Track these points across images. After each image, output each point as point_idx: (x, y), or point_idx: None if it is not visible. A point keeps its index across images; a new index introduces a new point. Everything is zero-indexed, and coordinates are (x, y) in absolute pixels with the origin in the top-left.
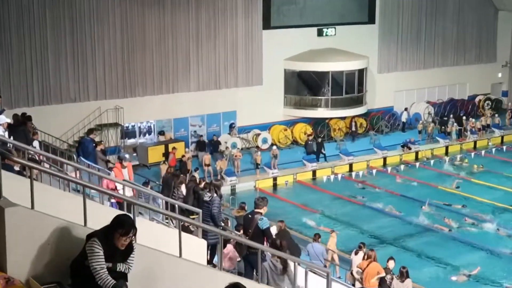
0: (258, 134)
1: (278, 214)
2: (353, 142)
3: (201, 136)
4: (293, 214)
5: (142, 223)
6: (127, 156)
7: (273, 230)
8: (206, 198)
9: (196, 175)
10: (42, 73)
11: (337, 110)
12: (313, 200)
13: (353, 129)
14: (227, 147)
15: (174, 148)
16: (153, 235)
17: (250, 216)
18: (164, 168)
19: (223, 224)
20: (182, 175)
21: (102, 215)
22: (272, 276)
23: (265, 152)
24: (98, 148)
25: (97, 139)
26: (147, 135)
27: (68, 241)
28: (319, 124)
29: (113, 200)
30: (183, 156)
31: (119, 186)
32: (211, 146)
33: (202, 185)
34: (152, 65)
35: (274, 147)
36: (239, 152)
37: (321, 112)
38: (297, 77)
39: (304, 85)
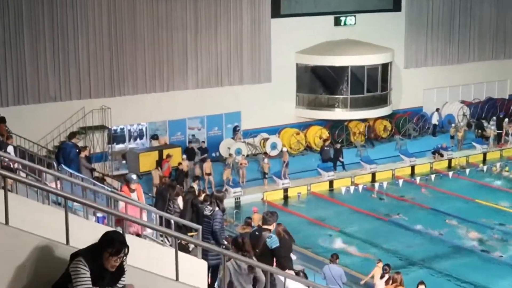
0: (266, 139)
1: (290, 231)
2: (373, 148)
3: (190, 142)
4: (307, 231)
5: (133, 241)
6: (134, 177)
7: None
8: (207, 212)
9: (195, 186)
10: (18, 68)
11: (357, 111)
12: (329, 215)
13: (368, 134)
14: (230, 154)
15: (168, 155)
16: (146, 255)
17: (257, 233)
18: (156, 175)
19: (225, 242)
20: (178, 185)
21: (87, 231)
22: (236, 278)
23: (274, 159)
24: (82, 154)
25: (80, 144)
26: (138, 139)
27: (48, 261)
28: (336, 127)
29: (99, 215)
30: (180, 164)
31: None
32: (200, 152)
33: (201, 198)
34: (144, 59)
35: (285, 148)
36: (244, 159)
37: (338, 114)
38: (311, 73)
39: (319, 82)
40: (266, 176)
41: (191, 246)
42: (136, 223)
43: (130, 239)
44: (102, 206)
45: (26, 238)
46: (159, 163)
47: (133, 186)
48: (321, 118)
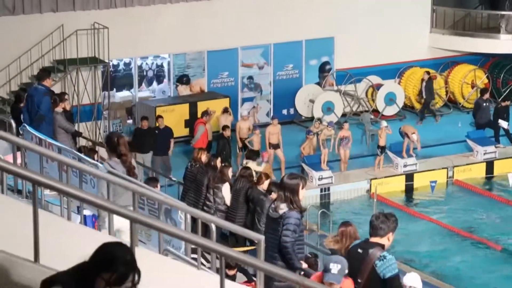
0: (378, 86)
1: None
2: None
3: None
4: (444, 250)
5: (146, 259)
6: None
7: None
8: (273, 214)
9: (254, 165)
10: None
11: None
12: (486, 221)
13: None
14: (318, 119)
15: (206, 112)
16: (168, 283)
17: (360, 250)
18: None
19: (304, 265)
20: (225, 164)
21: (68, 240)
22: None
23: (391, 121)
24: (59, 107)
25: (56, 89)
26: (154, 83)
27: None
28: (501, 68)
29: (87, 212)
30: (225, 128)
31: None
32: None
33: (263, 186)
34: None
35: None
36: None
37: (505, 44)
38: None
39: None
40: (380, 152)
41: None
42: (151, 227)
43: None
44: (92, 197)
45: None
46: (191, 123)
47: None
48: (475, 51)
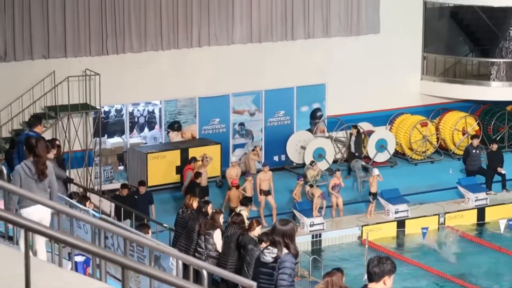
0: (369, 133)
1: None
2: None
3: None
4: None
5: None
6: None
7: None
8: (267, 258)
9: (245, 212)
10: None
11: None
12: (481, 268)
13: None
14: (313, 161)
15: (204, 157)
16: None
17: None
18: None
19: None
20: (216, 210)
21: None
22: None
23: (383, 168)
24: (51, 154)
25: (47, 136)
26: (145, 129)
27: None
28: (492, 115)
29: (78, 258)
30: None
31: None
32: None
33: (255, 232)
34: None
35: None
36: (339, 175)
37: (496, 91)
38: (449, 19)
39: (464, 35)
40: (372, 198)
41: None
42: (144, 274)
43: None
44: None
45: None
46: (182, 170)
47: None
48: (465, 98)
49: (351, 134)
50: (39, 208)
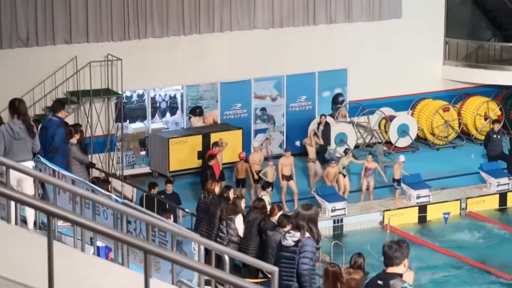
0: (391, 118)
1: (429, 280)
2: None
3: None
4: (461, 283)
5: None
6: None
7: None
8: (288, 242)
9: (266, 197)
10: None
11: None
12: (502, 253)
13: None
14: (347, 149)
15: (219, 142)
16: None
17: (380, 282)
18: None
19: None
20: (238, 194)
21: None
22: None
23: (405, 153)
24: (74, 139)
25: (70, 121)
26: (167, 114)
27: None
28: None
29: (100, 243)
30: (243, 160)
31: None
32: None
33: (275, 217)
34: None
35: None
36: (371, 159)
37: None
38: (472, 4)
39: (486, 20)
40: (397, 184)
41: None
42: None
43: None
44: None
45: None
46: (204, 155)
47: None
48: (488, 83)
49: (319, 123)
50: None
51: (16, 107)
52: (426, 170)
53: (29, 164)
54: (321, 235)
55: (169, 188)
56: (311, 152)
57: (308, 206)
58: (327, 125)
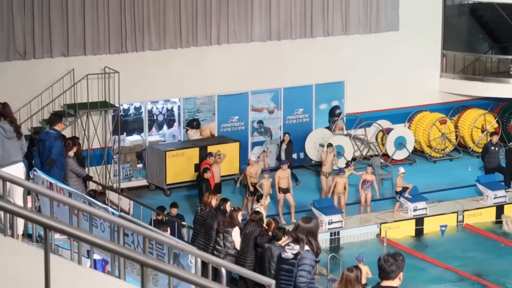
0: (388, 131)
1: None
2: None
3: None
4: None
5: None
6: None
7: None
8: (287, 254)
9: (262, 209)
10: None
11: None
12: (500, 267)
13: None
14: (349, 162)
15: (215, 154)
16: None
17: None
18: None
19: None
20: (234, 208)
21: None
22: None
23: (401, 166)
24: (71, 151)
25: (67, 133)
26: (164, 127)
27: None
28: (511, 112)
29: (97, 256)
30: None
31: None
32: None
33: (270, 230)
34: None
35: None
36: (371, 170)
37: None
38: (469, 17)
39: (483, 33)
40: (398, 196)
41: None
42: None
43: None
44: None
45: None
46: (199, 168)
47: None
48: (485, 95)
49: (282, 141)
50: (13, 168)
51: (1, 112)
52: (423, 182)
53: (21, 166)
54: (321, 248)
55: (174, 212)
56: (326, 166)
57: (308, 219)
58: (290, 143)
